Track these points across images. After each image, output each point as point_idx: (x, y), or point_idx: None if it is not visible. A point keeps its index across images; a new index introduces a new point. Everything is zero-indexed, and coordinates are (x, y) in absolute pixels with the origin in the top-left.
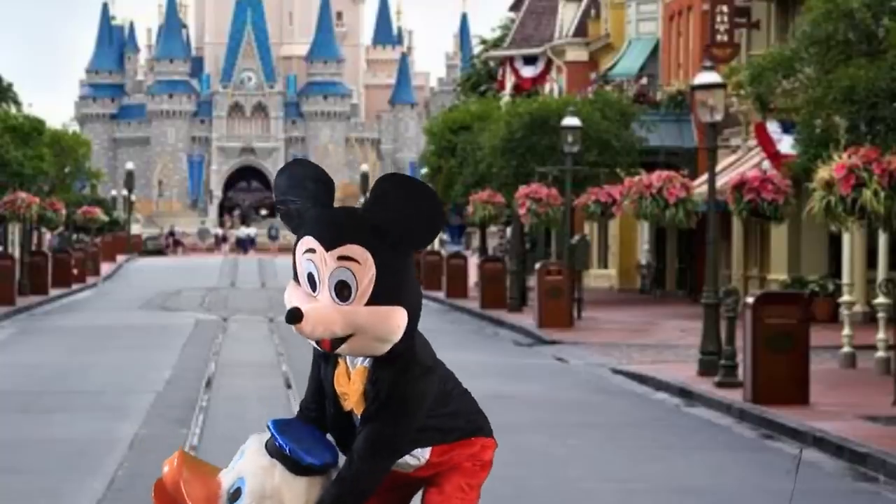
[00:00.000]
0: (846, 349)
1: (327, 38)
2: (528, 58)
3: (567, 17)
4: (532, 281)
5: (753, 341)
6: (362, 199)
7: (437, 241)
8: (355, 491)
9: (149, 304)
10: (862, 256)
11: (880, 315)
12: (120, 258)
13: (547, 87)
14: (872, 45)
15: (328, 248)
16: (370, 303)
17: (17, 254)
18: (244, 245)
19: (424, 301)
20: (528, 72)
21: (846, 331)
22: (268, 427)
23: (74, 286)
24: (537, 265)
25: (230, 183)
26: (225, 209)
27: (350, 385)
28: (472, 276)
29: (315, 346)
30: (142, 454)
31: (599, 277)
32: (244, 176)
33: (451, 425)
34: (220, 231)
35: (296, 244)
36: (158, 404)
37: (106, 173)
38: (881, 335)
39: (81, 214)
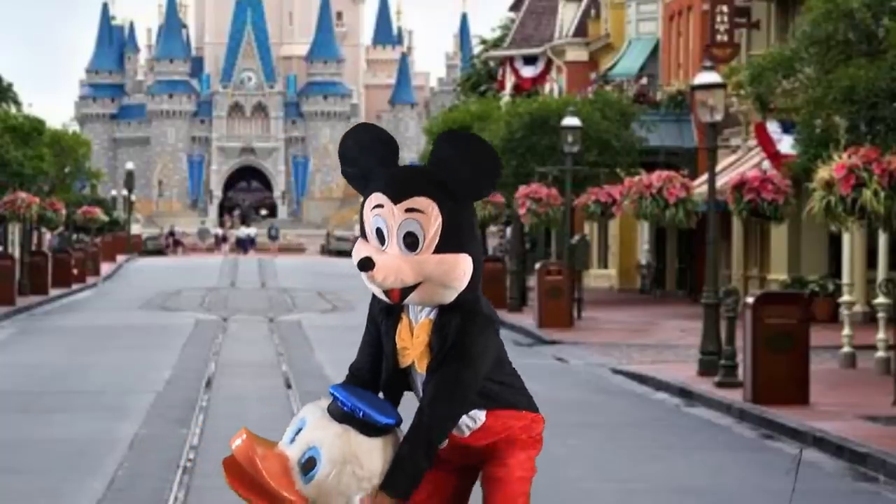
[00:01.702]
0: (846, 349)
1: (327, 38)
2: (528, 58)
3: (567, 17)
4: (532, 281)
5: (753, 341)
6: (361, 200)
7: None
8: (428, 441)
9: (149, 304)
10: (862, 256)
11: (880, 315)
12: (120, 258)
13: (547, 87)
14: (872, 45)
15: (395, 201)
16: (436, 252)
17: (17, 254)
18: (244, 245)
19: None
20: (528, 72)
21: (846, 331)
22: (331, 393)
23: (74, 286)
24: (537, 265)
25: (230, 183)
26: (225, 209)
27: (413, 339)
28: None
29: (376, 302)
30: (142, 454)
31: (599, 277)
32: (244, 176)
33: (505, 394)
34: (220, 231)
35: (363, 203)
36: (158, 404)
37: (106, 173)
38: (881, 335)
39: (81, 214)
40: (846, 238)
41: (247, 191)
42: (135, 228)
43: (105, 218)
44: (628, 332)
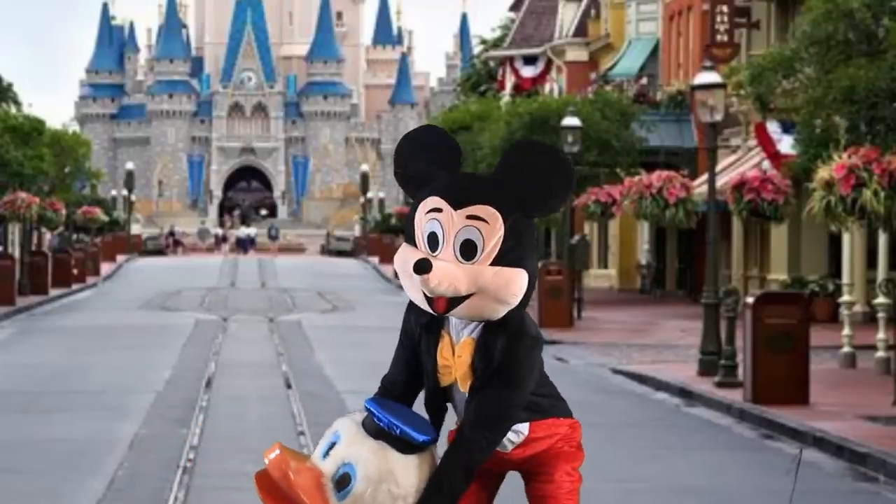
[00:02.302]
0: (846, 349)
1: (327, 38)
2: (528, 58)
3: (567, 17)
4: None
5: (753, 341)
6: (361, 200)
7: None
8: (468, 464)
9: (149, 304)
10: (862, 256)
11: (880, 315)
12: (120, 258)
13: (547, 87)
14: (872, 45)
15: (457, 206)
16: (494, 264)
17: (17, 254)
18: (244, 245)
19: None
20: (528, 72)
21: (846, 331)
22: (367, 408)
23: (74, 286)
24: None
25: (230, 183)
26: (225, 209)
27: (455, 358)
28: None
29: (412, 316)
30: (142, 454)
31: (599, 277)
32: (244, 176)
33: (546, 404)
34: (220, 231)
35: (415, 206)
36: (158, 404)
37: (106, 173)
38: (881, 335)
39: (81, 214)
40: (846, 238)
41: (247, 191)
42: (135, 228)
43: (105, 218)
44: (628, 332)
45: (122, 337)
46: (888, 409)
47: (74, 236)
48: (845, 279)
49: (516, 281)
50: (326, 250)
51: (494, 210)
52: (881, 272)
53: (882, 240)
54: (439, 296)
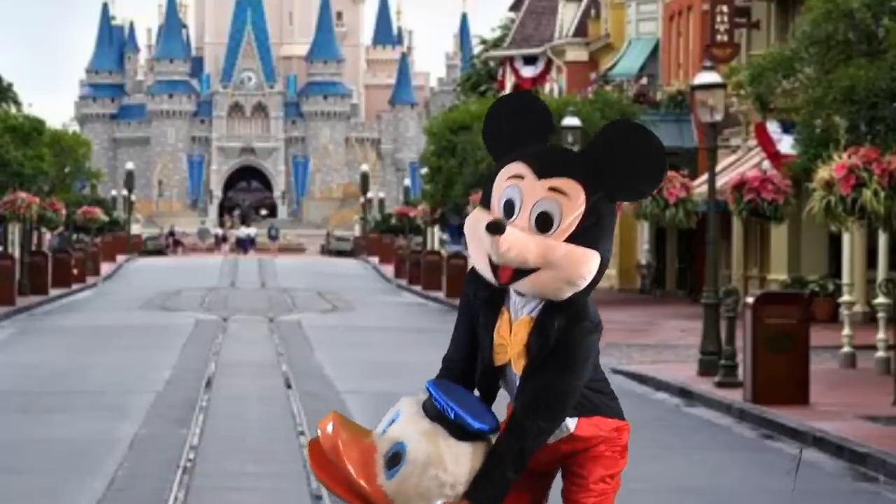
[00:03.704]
0: (846, 349)
1: (327, 38)
2: (528, 58)
3: (567, 17)
4: None
5: (753, 341)
6: (361, 200)
7: (437, 241)
8: (519, 452)
9: (149, 304)
10: (862, 256)
11: (880, 315)
12: (120, 258)
13: (547, 87)
14: (872, 45)
15: (541, 175)
16: (569, 240)
17: (17, 254)
18: (244, 245)
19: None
20: (528, 72)
21: (846, 331)
22: (427, 389)
23: (74, 286)
24: None
25: (230, 183)
26: (225, 209)
27: (512, 336)
28: None
29: (473, 290)
30: (142, 454)
31: None
32: (244, 176)
33: (596, 400)
34: (220, 231)
35: (496, 171)
36: (158, 404)
37: (106, 173)
38: (881, 335)
39: (81, 214)
40: (846, 238)
41: (247, 191)
42: (135, 228)
43: (105, 218)
44: (628, 332)
45: (122, 337)
46: (888, 409)
47: (74, 236)
48: (845, 279)
49: (588, 262)
50: (326, 250)
51: (578, 185)
52: (881, 272)
53: (882, 240)
54: (506, 263)
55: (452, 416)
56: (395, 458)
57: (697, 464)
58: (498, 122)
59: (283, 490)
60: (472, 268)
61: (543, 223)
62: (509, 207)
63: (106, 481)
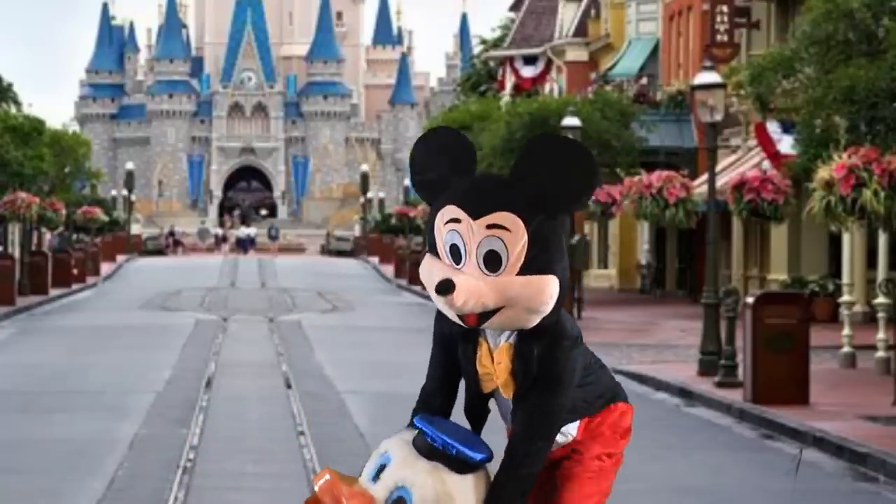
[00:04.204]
0: (846, 349)
1: (327, 38)
2: (528, 58)
3: (567, 17)
4: None
5: (753, 341)
6: (361, 200)
7: None
8: (524, 477)
9: (149, 304)
10: (862, 256)
11: (880, 315)
12: (120, 258)
13: (547, 87)
14: (872, 45)
15: (475, 216)
16: (521, 272)
17: (17, 254)
18: (244, 245)
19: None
20: (528, 72)
21: (846, 331)
22: (418, 427)
23: (74, 286)
24: None
25: (230, 183)
26: (225, 209)
27: (495, 364)
28: None
29: (447, 324)
30: (142, 454)
31: (599, 277)
32: (244, 176)
33: (595, 394)
34: (220, 231)
35: (433, 215)
36: (158, 404)
37: (106, 173)
38: (881, 335)
39: (81, 214)
40: (846, 238)
41: (247, 191)
42: (135, 228)
43: (105, 218)
44: (628, 332)
45: (122, 337)
46: (888, 409)
47: (74, 236)
48: (845, 279)
49: (546, 288)
50: (326, 250)
51: (515, 216)
52: (881, 272)
53: (882, 240)
54: (467, 314)
55: (454, 452)
56: None
57: (697, 464)
58: (423, 162)
59: (283, 490)
60: None
61: (492, 262)
62: (455, 252)
63: (106, 481)
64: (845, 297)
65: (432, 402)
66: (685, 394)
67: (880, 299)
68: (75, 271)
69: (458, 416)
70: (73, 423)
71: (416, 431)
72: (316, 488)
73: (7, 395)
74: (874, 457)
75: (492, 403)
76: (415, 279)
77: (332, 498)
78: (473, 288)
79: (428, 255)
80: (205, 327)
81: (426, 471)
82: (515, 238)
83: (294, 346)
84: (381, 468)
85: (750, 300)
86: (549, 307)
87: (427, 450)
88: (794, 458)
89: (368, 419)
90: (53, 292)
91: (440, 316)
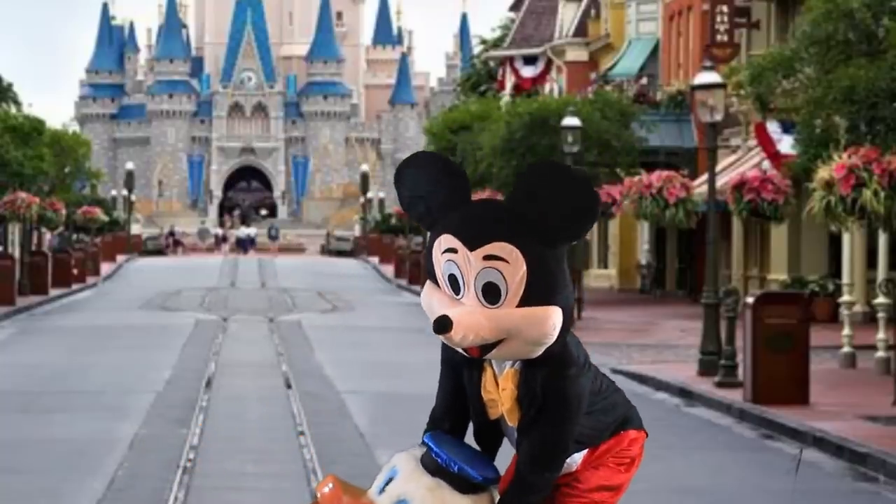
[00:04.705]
0: (846, 349)
1: (327, 38)
2: (528, 58)
3: (567, 17)
4: None
5: (753, 341)
6: (361, 200)
7: None
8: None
9: (149, 304)
10: (862, 256)
11: (880, 315)
12: (120, 258)
13: (547, 87)
14: (872, 45)
15: (472, 247)
16: (522, 304)
17: (17, 254)
18: (244, 245)
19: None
20: (528, 72)
21: (846, 331)
22: (426, 444)
23: (74, 286)
24: None
25: (230, 183)
26: (225, 209)
27: (500, 391)
28: None
29: (451, 351)
30: (142, 454)
31: (599, 277)
32: (244, 176)
33: (604, 422)
34: (220, 231)
35: (431, 243)
36: (158, 404)
37: (106, 173)
38: (881, 335)
39: (81, 214)
40: (846, 238)
41: (247, 191)
42: (135, 228)
43: (105, 218)
44: (628, 332)
45: (122, 337)
46: (888, 409)
47: (74, 236)
48: (845, 279)
49: (548, 320)
50: (326, 250)
51: (513, 247)
52: (881, 272)
53: (882, 240)
54: (468, 346)
55: (456, 469)
56: None
57: (697, 464)
58: (407, 183)
59: (283, 490)
60: None
61: (491, 294)
62: (454, 282)
63: (106, 481)
64: (845, 297)
65: (442, 425)
66: (685, 394)
67: (880, 299)
68: (75, 271)
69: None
70: (73, 423)
71: (426, 448)
72: (318, 495)
73: (7, 395)
74: (874, 457)
75: None
76: (415, 279)
77: None
78: (472, 323)
79: (428, 282)
80: (205, 327)
81: (427, 486)
82: (514, 269)
83: (294, 346)
84: (389, 481)
85: (750, 300)
86: (551, 338)
87: (433, 466)
88: (794, 458)
89: (368, 419)
90: (53, 292)
91: (445, 345)
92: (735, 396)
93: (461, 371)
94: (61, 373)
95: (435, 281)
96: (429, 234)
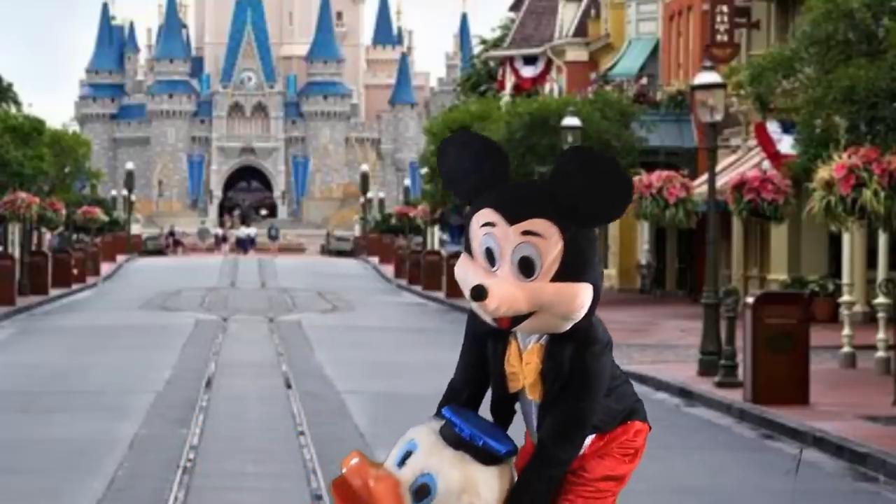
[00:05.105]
0: (846, 349)
1: (327, 38)
2: (528, 58)
3: (567, 17)
4: None
5: (753, 341)
6: (361, 200)
7: (437, 241)
8: (550, 478)
9: (149, 304)
10: (862, 256)
11: (880, 315)
12: (120, 258)
13: (547, 87)
14: (872, 45)
15: (511, 221)
16: (555, 279)
17: (17, 254)
18: (244, 245)
19: (424, 301)
20: (528, 72)
21: (846, 331)
22: (446, 417)
23: (74, 286)
24: None
25: (230, 183)
26: (225, 209)
27: (523, 364)
28: None
29: (479, 322)
30: (142, 454)
31: None
32: (244, 176)
33: (614, 409)
34: (220, 231)
35: (470, 216)
36: (158, 404)
37: (106, 173)
38: (881, 335)
39: (81, 214)
40: (846, 238)
41: (247, 191)
42: (135, 228)
43: (105, 218)
44: (628, 332)
45: (122, 337)
46: (888, 409)
47: (74, 236)
48: (845, 279)
49: (579, 296)
50: (326, 250)
51: (551, 224)
52: (881, 272)
53: (882, 240)
54: (500, 317)
55: (481, 443)
56: (422, 490)
57: (697, 464)
58: (450, 161)
59: (283, 490)
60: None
61: (526, 268)
62: (490, 255)
63: (106, 481)
64: (845, 297)
65: (459, 397)
66: (685, 394)
67: (880, 299)
68: (75, 271)
69: (484, 413)
70: (73, 423)
71: (443, 421)
72: (344, 470)
73: (7, 395)
74: (874, 457)
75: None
76: (415, 279)
77: (360, 479)
78: (507, 294)
79: (464, 255)
80: (205, 327)
81: (452, 460)
82: (550, 245)
83: (294, 346)
84: (407, 455)
85: (750, 300)
86: (581, 314)
87: (454, 440)
88: (794, 458)
89: (368, 419)
90: (53, 292)
91: (473, 314)
92: (735, 396)
93: (485, 343)
94: (61, 373)
95: (471, 253)
96: (468, 208)
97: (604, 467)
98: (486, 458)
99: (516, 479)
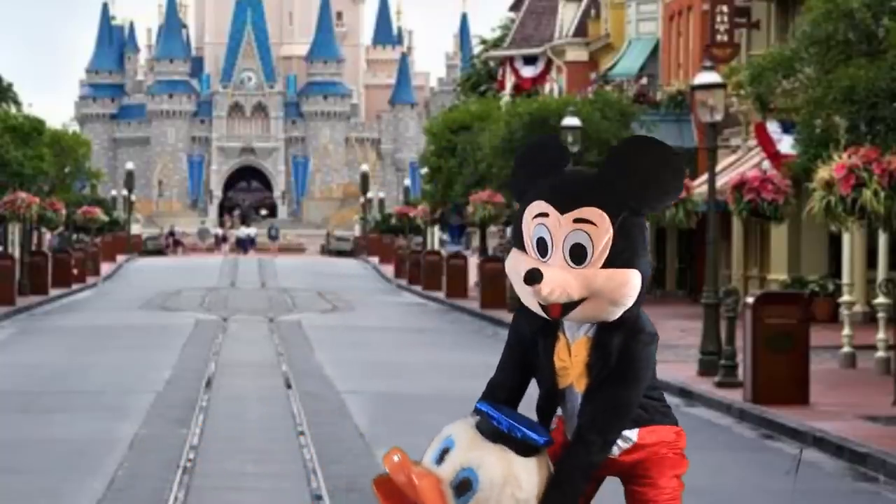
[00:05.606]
0: (846, 349)
1: (327, 38)
2: (528, 58)
3: (567, 17)
4: None
5: (753, 341)
6: (361, 200)
7: (437, 241)
8: (588, 464)
9: (149, 304)
10: (862, 256)
11: (880, 315)
12: (120, 258)
13: (547, 87)
14: (872, 45)
15: (563, 210)
16: (605, 266)
17: (17, 254)
18: (244, 245)
19: (424, 301)
20: (528, 72)
21: (846, 331)
22: (483, 412)
23: (74, 286)
24: None
25: (230, 183)
26: (225, 209)
27: (572, 358)
28: (472, 276)
29: (525, 321)
30: (142, 454)
31: None
32: (244, 176)
33: (651, 404)
34: (220, 231)
35: (521, 211)
36: (158, 404)
37: (106, 173)
38: (881, 335)
39: (81, 214)
40: (846, 238)
41: (247, 191)
42: (135, 228)
43: (105, 218)
44: None
45: (122, 337)
46: (888, 409)
47: (74, 236)
48: (845, 279)
49: (629, 282)
50: (326, 250)
51: (602, 211)
52: (881, 272)
53: (882, 240)
54: (552, 303)
55: (520, 435)
56: (464, 485)
57: (697, 464)
58: (518, 167)
59: (283, 490)
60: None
61: (578, 255)
62: (542, 245)
63: (106, 481)
64: (845, 297)
65: (498, 394)
66: (685, 394)
67: (880, 299)
68: (75, 271)
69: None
70: (73, 423)
71: (478, 418)
72: (387, 468)
73: (7, 395)
74: (874, 457)
75: None
76: (415, 279)
77: (405, 477)
78: (560, 279)
79: (514, 249)
80: (205, 327)
81: (493, 453)
82: (601, 232)
83: (294, 346)
84: (444, 452)
85: (750, 300)
86: (631, 300)
87: (492, 433)
88: (794, 458)
89: (368, 419)
90: (53, 292)
91: (518, 317)
92: (735, 396)
93: (530, 346)
94: (61, 373)
95: (520, 248)
96: (517, 203)
97: (668, 467)
98: (525, 449)
99: (552, 469)
